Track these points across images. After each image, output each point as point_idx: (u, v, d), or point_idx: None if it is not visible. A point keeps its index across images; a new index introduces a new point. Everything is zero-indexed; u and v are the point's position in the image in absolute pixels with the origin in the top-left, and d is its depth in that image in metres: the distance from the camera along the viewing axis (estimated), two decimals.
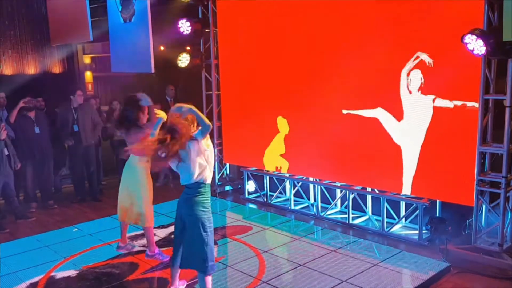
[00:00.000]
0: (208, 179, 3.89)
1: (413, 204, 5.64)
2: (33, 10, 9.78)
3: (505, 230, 4.91)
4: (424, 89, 5.26)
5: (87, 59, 11.12)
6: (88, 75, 11.11)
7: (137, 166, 4.75)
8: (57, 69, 10.18)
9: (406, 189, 5.59)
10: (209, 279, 3.93)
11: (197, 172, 3.80)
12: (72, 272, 4.96)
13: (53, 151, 7.47)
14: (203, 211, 3.87)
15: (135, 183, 4.81)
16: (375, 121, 5.71)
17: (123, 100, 4.93)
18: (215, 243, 5.44)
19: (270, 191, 7.27)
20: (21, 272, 5.01)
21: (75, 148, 7.47)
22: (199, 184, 3.85)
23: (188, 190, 3.90)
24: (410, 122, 5.44)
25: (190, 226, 3.88)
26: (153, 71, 7.36)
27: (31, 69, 9.86)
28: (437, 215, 5.69)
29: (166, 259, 4.98)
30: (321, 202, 6.62)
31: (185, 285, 4.45)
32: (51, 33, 9.40)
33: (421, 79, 5.28)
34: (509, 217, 4.98)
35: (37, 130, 7.12)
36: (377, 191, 5.96)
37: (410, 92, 5.39)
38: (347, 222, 6.19)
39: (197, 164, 3.79)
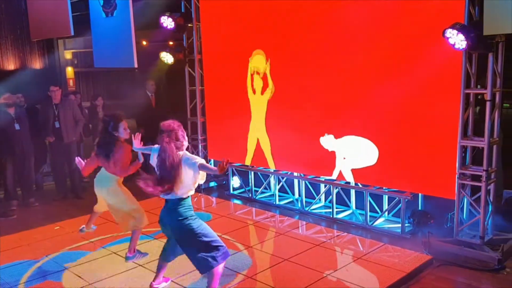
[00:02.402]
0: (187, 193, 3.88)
1: (395, 198, 5.69)
2: (13, 4, 9.60)
3: (486, 222, 4.98)
4: (402, 88, 5.31)
5: (68, 55, 10.95)
6: (70, 70, 10.94)
7: (113, 182, 4.74)
8: (37, 65, 10.01)
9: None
10: (219, 268, 3.87)
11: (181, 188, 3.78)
12: (54, 270, 4.89)
13: (34, 148, 7.34)
14: (186, 218, 3.84)
15: (118, 199, 4.78)
16: (360, 117, 5.73)
17: (107, 118, 4.80)
18: None
19: (255, 186, 7.27)
20: (2, 270, 4.92)
21: (56, 145, 7.37)
22: (180, 198, 3.84)
23: (169, 202, 3.87)
24: None
25: (180, 236, 3.86)
26: (136, 66, 7.28)
27: (11, 65, 9.68)
28: (419, 208, 5.75)
29: (146, 256, 4.99)
30: (306, 197, 6.63)
31: (169, 282, 4.42)
32: (31, 27, 9.24)
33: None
34: (490, 210, 5.05)
35: (17, 126, 6.99)
36: (360, 185, 5.99)
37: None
38: (331, 216, 6.22)
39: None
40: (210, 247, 3.81)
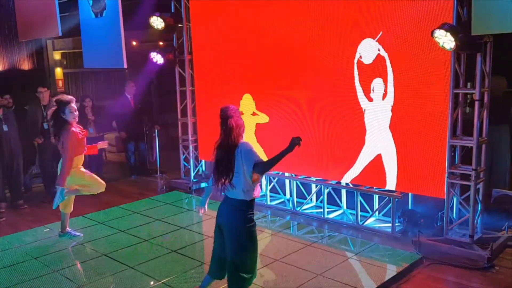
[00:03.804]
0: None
1: (386, 198, 5.71)
2: (0, 4, 9.50)
3: (475, 221, 5.02)
4: (391, 88, 5.32)
5: (57, 55, 10.85)
6: (59, 71, 10.84)
7: (75, 169, 5.33)
8: (26, 66, 9.92)
9: (391, 185, 5.59)
10: None
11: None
12: (44, 273, 4.83)
13: (22, 150, 7.27)
14: (250, 226, 3.59)
15: (77, 177, 5.38)
16: (352, 116, 5.74)
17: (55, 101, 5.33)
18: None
19: None
20: None
21: (45, 146, 7.29)
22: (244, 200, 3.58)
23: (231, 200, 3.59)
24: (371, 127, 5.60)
25: (233, 240, 3.61)
26: (125, 66, 7.23)
27: None
28: (410, 208, 5.78)
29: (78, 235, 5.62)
30: (297, 197, 6.64)
31: None
32: (19, 28, 9.12)
33: (384, 87, 5.37)
34: (479, 208, 5.09)
35: (5, 128, 6.93)
36: (351, 185, 6.01)
37: (371, 100, 5.50)
38: (323, 216, 6.23)
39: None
40: (249, 268, 3.64)
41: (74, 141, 5.19)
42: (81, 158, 5.43)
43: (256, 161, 3.44)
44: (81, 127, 5.48)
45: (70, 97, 5.33)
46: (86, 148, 5.45)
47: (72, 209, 5.60)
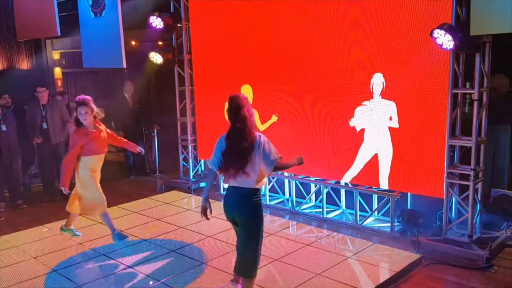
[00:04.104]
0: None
1: (385, 197, 5.72)
2: None
3: (474, 221, 5.03)
4: (390, 88, 5.33)
5: (56, 55, 10.82)
6: (58, 71, 10.82)
7: (84, 169, 5.19)
8: (24, 65, 9.91)
9: (383, 184, 5.62)
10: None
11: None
12: (42, 273, 4.84)
13: (21, 149, 7.27)
14: (258, 215, 3.73)
15: (80, 183, 5.23)
16: (351, 115, 5.74)
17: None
18: None
19: None
20: None
21: (44, 146, 7.30)
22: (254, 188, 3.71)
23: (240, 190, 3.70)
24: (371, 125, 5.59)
25: (245, 229, 3.74)
26: (124, 66, 7.23)
27: None
28: (409, 207, 5.79)
29: (128, 238, 5.41)
30: (296, 197, 6.64)
31: None
32: (17, 27, 9.13)
33: (383, 83, 5.37)
34: (478, 208, 5.10)
35: (4, 128, 6.92)
36: (350, 185, 6.02)
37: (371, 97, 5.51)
38: (322, 216, 6.23)
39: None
40: (258, 256, 3.78)
41: (74, 141, 5.09)
42: (98, 159, 5.20)
43: (279, 157, 3.65)
44: (100, 129, 5.23)
45: (83, 97, 5.12)
46: (106, 150, 5.30)
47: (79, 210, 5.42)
